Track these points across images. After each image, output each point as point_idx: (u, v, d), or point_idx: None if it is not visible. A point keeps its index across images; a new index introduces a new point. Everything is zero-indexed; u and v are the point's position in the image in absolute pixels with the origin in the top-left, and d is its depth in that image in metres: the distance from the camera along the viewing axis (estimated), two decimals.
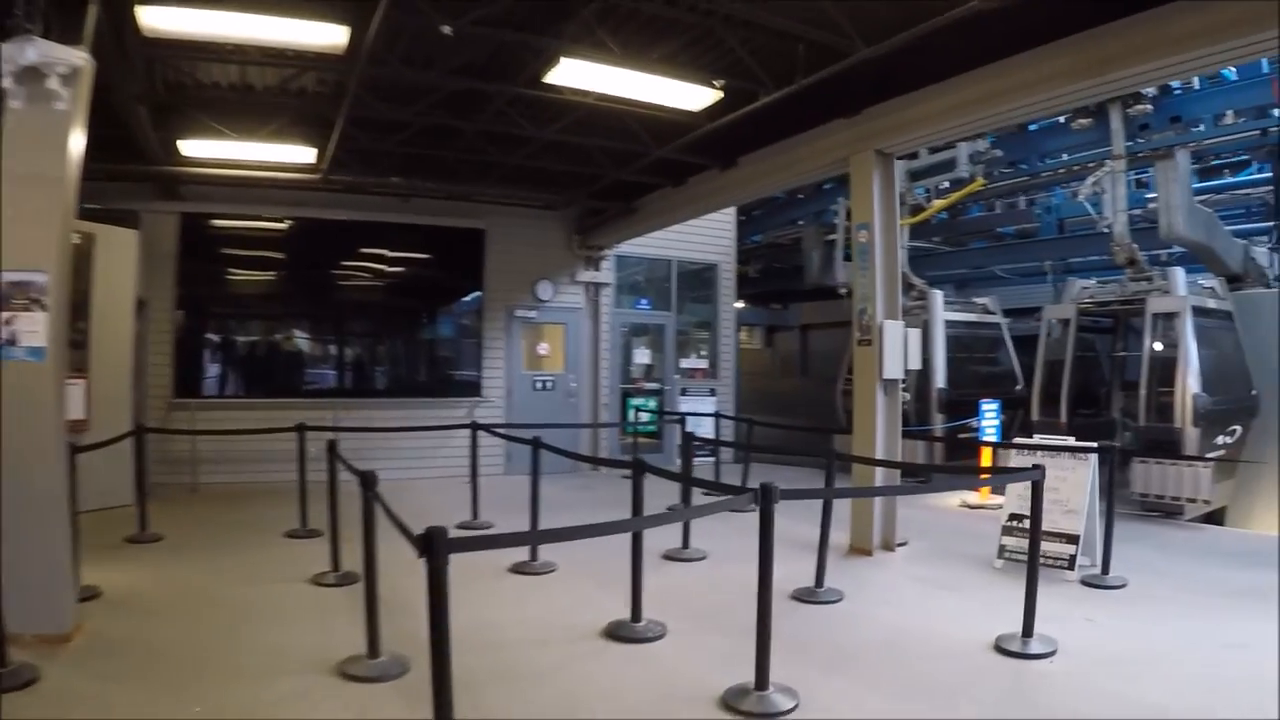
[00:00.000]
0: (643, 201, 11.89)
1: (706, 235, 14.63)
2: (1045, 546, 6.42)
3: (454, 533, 3.14)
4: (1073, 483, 6.95)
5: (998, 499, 8.98)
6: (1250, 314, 11.03)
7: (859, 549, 7.73)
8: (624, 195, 11.81)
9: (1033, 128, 12.96)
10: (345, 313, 12.35)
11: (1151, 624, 5.70)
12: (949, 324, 12.45)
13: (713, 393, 14.67)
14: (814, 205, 16.47)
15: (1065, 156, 12.45)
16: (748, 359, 16.32)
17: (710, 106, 7.64)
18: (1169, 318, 9.70)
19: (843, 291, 13.66)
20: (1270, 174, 13.75)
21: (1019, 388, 12.88)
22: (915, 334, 8.03)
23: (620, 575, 5.55)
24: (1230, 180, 15.29)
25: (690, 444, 8.55)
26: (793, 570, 6.28)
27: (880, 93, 7.43)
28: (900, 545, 7.88)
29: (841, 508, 7.38)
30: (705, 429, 12.75)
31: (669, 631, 5.37)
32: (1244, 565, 7.36)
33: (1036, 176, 13.15)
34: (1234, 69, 11.87)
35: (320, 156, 9.53)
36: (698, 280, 14.85)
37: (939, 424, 12.00)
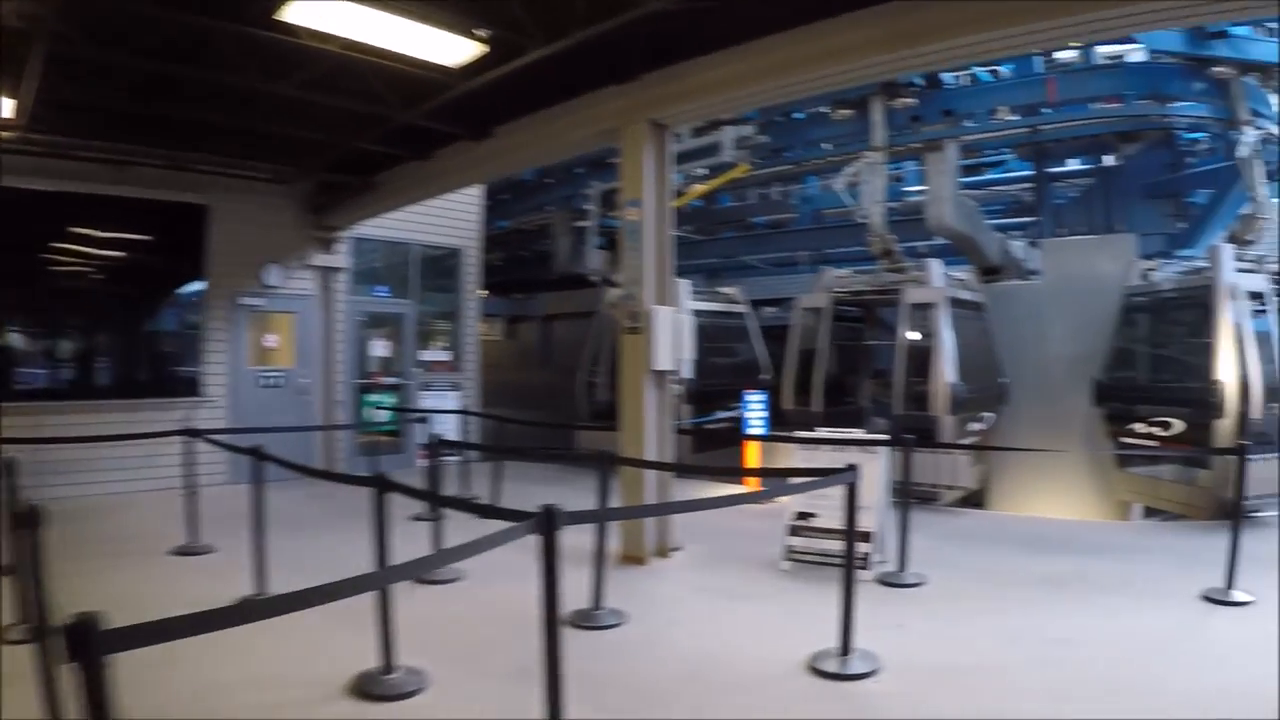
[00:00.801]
0: (384, 176, 10.81)
1: (450, 218, 13.90)
2: (835, 546, 6.27)
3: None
4: (864, 477, 6.57)
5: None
6: (1002, 305, 11.71)
7: (632, 557, 7.14)
8: (363, 169, 10.71)
9: (799, 115, 13.05)
10: (52, 302, 10.43)
11: (965, 624, 5.56)
12: (694, 314, 11.79)
13: (456, 387, 13.91)
14: (564, 190, 15.64)
15: (829, 146, 12.12)
16: (489, 351, 15.37)
17: (469, 63, 6.85)
18: (925, 308, 9.95)
19: (594, 279, 12.85)
20: (1030, 172, 14.73)
21: (764, 377, 12.98)
22: (689, 320, 7.69)
23: (366, 605, 4.39)
24: (989, 176, 15.94)
25: (438, 451, 7.42)
26: (563, 587, 5.49)
27: (660, 58, 6.95)
28: (675, 551, 7.41)
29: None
30: (449, 427, 12.09)
31: (430, 682, 4.53)
32: (1032, 550, 7.58)
33: (801, 164, 12.83)
34: (1010, 66, 12.10)
35: (18, 110, 7.79)
36: (440, 267, 14.09)
37: (687, 417, 11.74)
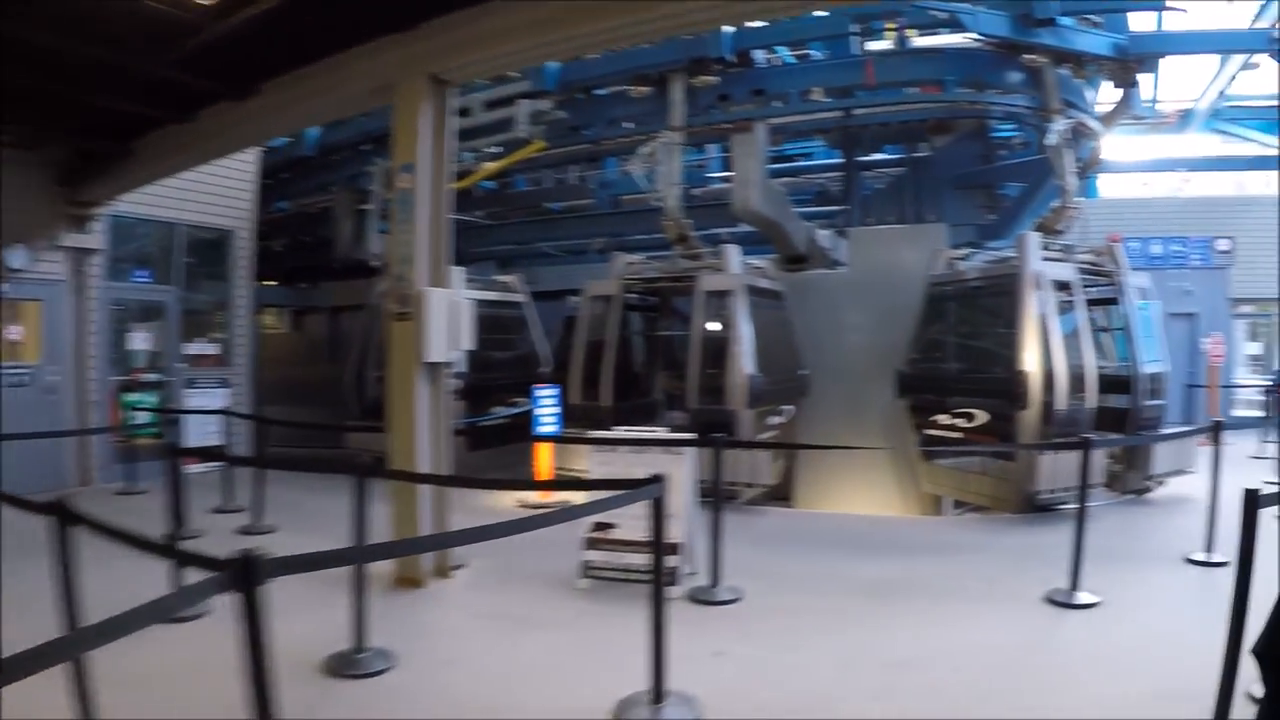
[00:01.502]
0: (143, 142, 9.59)
1: (220, 196, 12.64)
2: (639, 560, 5.77)
3: None
4: (669, 482, 5.77)
5: (562, 495, 8.42)
6: (807, 295, 11.49)
7: (407, 580, 6.28)
8: (121, 134, 9.48)
9: (601, 92, 12.37)
10: None
11: (792, 648, 5.02)
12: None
13: (225, 384, 12.72)
14: (349, 168, 14.38)
15: (631, 125, 11.35)
16: (273, 345, 14.13)
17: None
18: (721, 296, 9.71)
19: (376, 264, 11.84)
20: (839, 160, 14.49)
21: (543, 370, 12.37)
22: (467, 305, 6.93)
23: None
24: (799, 164, 15.54)
25: (177, 467, 6.18)
26: (323, 622, 5.02)
27: (440, 5, 6.26)
28: (457, 569, 6.59)
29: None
30: (212, 430, 11.19)
31: None
32: (852, 552, 7.32)
33: (598, 144, 12.01)
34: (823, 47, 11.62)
35: None
36: (209, 250, 12.86)
37: (461, 415, 10.90)
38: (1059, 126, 9.59)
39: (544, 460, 9.61)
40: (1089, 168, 12.60)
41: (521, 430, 10.86)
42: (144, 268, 12.03)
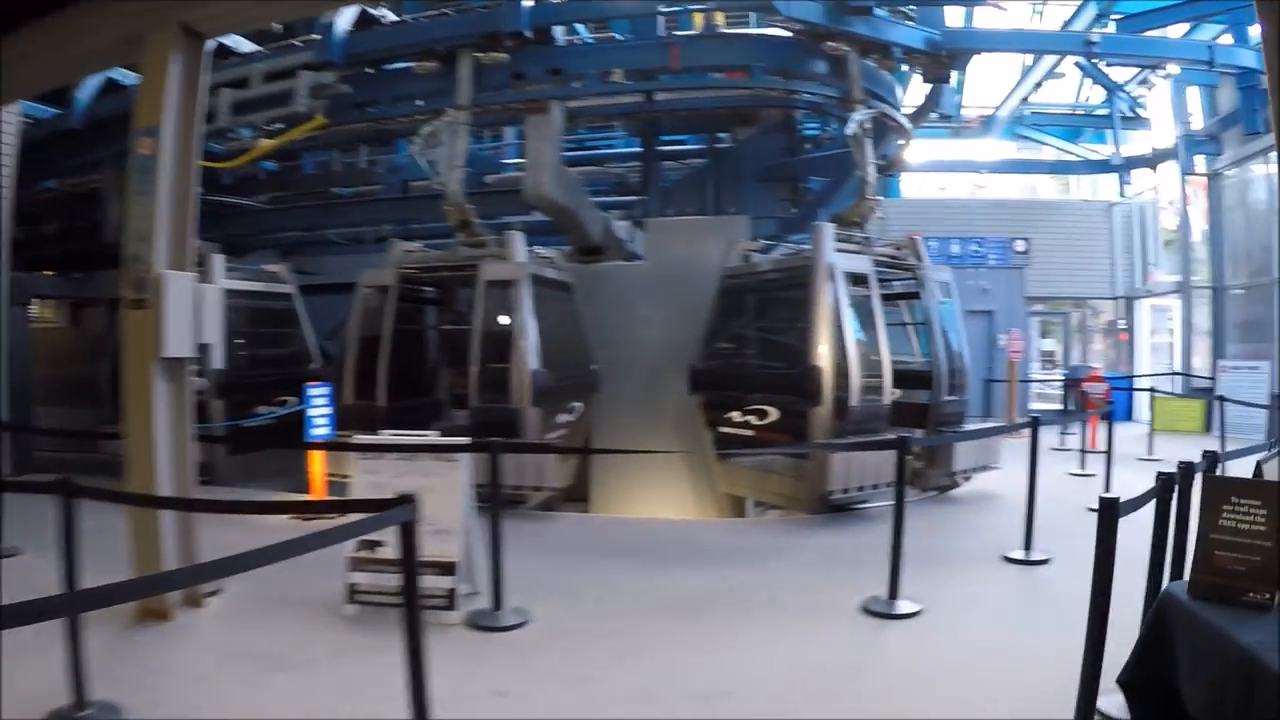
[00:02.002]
0: None
1: None
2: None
3: None
4: (441, 494, 5.46)
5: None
6: (600, 287, 10.97)
7: (152, 611, 5.30)
8: None
9: (391, 67, 11.42)
10: None
11: (586, 681, 4.39)
12: (230, 294, 10.50)
13: None
14: (120, 142, 12.79)
15: (422, 104, 10.42)
16: (47, 341, 12.48)
17: None
18: (504, 286, 9.03)
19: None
20: (639, 149, 14.02)
21: (314, 367, 11.66)
22: (214, 292, 6.09)
23: None
24: (598, 153, 14.88)
25: None
26: (35, 667, 4.02)
27: None
28: (211, 596, 5.66)
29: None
30: None
31: None
32: (652, 562, 6.73)
33: (380, 122, 11.01)
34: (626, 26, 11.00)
35: None
36: None
37: (222, 416, 10.24)
38: (859, 116, 9.45)
39: (316, 466, 8.65)
40: (894, 166, 12.60)
41: (289, 433, 9.83)
42: None
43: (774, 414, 8.65)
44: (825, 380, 8.07)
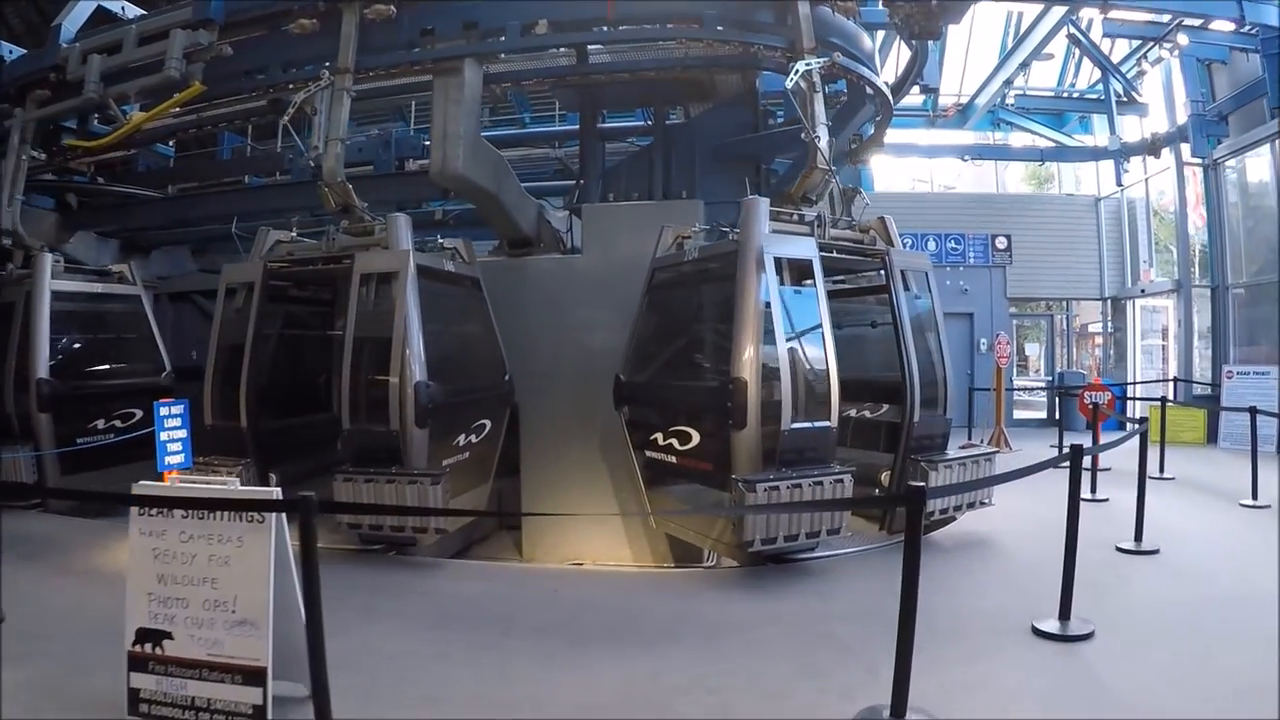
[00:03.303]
0: None
1: None
2: (204, 690, 3.79)
3: None
4: (242, 567, 3.94)
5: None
6: (520, 283, 9.16)
7: None
8: None
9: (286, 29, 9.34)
10: None
11: None
12: (60, 296, 9.55)
13: None
14: None
15: (312, 69, 8.64)
16: None
17: None
18: (384, 280, 7.26)
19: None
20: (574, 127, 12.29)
21: (164, 377, 10.32)
22: None
23: None
24: (531, 131, 13.11)
25: None
26: None
27: None
28: None
29: None
30: None
31: None
32: (559, 645, 5.07)
33: (273, 91, 9.20)
34: None
35: None
36: None
37: (50, 432, 8.99)
38: (804, 65, 7.46)
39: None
40: (869, 149, 10.86)
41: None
42: None
43: (695, 437, 6.78)
44: (749, 396, 6.17)
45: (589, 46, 9.47)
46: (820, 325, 6.57)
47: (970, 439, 13.31)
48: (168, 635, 3.89)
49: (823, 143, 7.38)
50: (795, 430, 6.24)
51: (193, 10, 8.90)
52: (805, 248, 6.79)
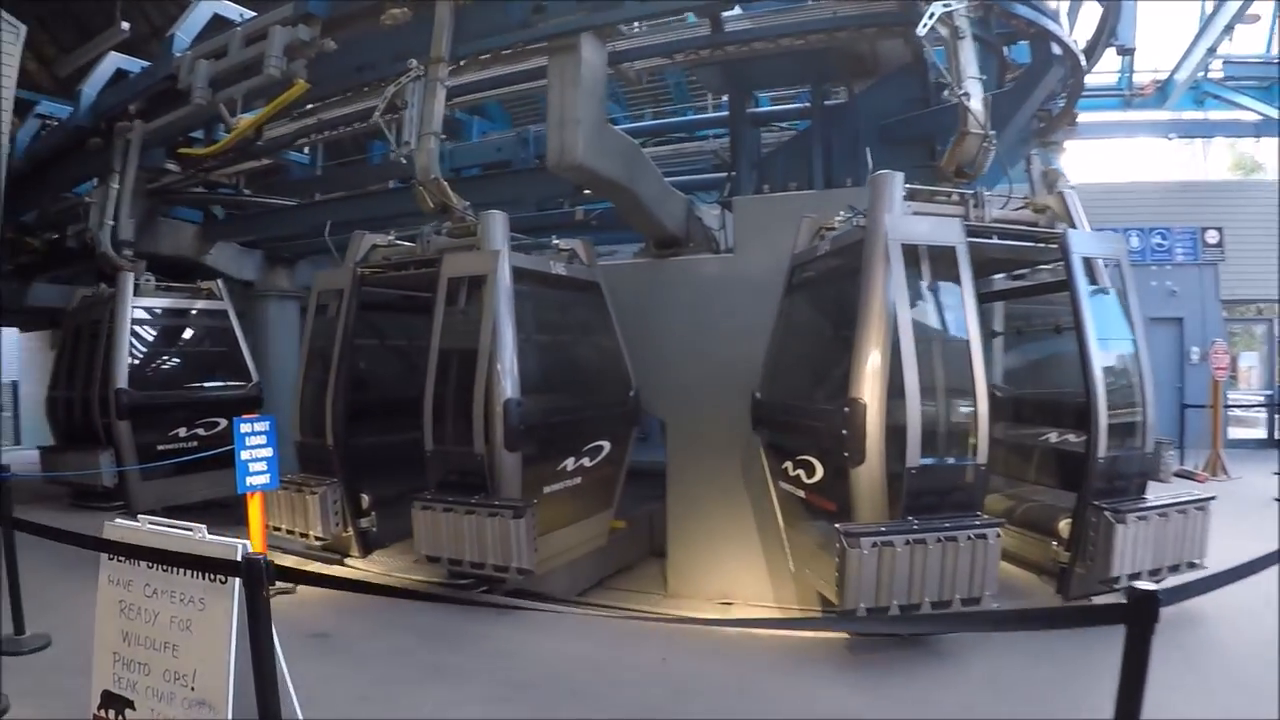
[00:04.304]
0: None
1: None
2: None
3: None
4: (204, 636, 3.19)
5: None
6: (650, 287, 8.10)
7: None
8: None
9: None
10: None
11: None
12: (148, 312, 10.35)
13: None
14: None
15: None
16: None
17: None
18: (474, 285, 6.35)
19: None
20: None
21: (249, 387, 10.79)
22: None
23: None
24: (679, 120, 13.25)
25: None
26: None
27: None
28: None
29: None
30: None
31: None
32: None
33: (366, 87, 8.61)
34: None
35: None
36: None
37: (129, 439, 9.64)
38: (944, 6, 5.70)
39: (254, 516, 6.44)
40: (1058, 126, 9.25)
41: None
42: None
43: (818, 470, 5.45)
44: (868, 423, 4.84)
45: (723, 13, 8.33)
46: (966, 330, 5.05)
47: (1182, 464, 11.28)
48: (130, 704, 3.32)
49: (974, 100, 5.89)
50: (926, 468, 4.83)
51: (293, 6, 8.42)
52: (947, 231, 5.34)
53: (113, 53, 11.77)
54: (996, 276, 7.15)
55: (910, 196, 5.46)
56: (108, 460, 9.58)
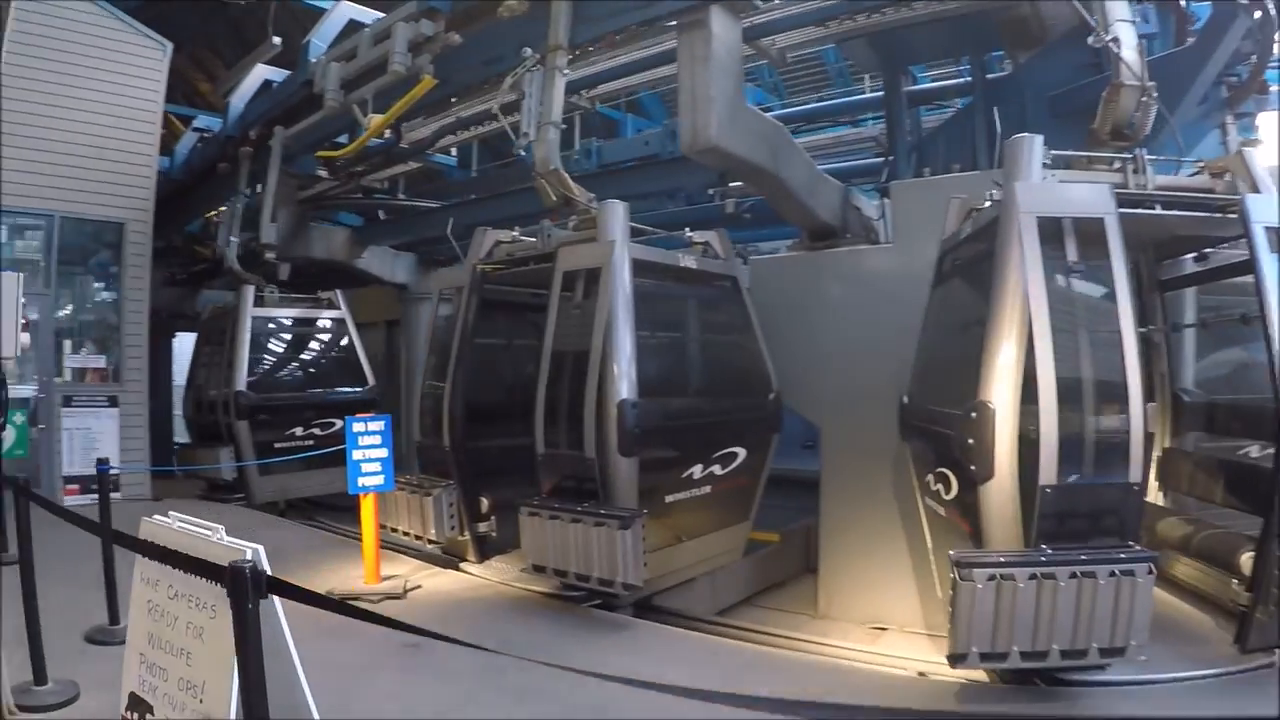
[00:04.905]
0: None
1: (112, 182, 10.66)
2: None
3: None
4: (213, 646, 2.85)
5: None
6: (795, 282, 7.54)
7: None
8: None
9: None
10: None
11: None
12: (268, 321, 10.95)
13: (114, 402, 10.67)
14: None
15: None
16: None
17: None
18: (591, 278, 5.95)
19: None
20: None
21: (368, 389, 11.31)
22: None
23: None
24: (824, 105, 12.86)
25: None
26: None
27: None
28: None
29: None
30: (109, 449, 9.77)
31: None
32: None
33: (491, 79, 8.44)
34: None
35: None
36: (94, 245, 10.98)
37: (248, 438, 10.25)
38: None
39: (366, 517, 6.51)
40: (1247, 93, 8.01)
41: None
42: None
43: (954, 485, 4.67)
44: (997, 433, 4.10)
45: None
46: (1118, 320, 4.10)
47: None
48: (150, 709, 3.07)
49: (1126, 48, 4.99)
50: (1064, 488, 4.01)
51: (415, 3, 8.25)
52: (1094, 200, 4.37)
53: (260, 65, 12.12)
54: (1187, 257, 6.11)
55: (1063, 165, 4.67)
56: (228, 456, 10.33)
